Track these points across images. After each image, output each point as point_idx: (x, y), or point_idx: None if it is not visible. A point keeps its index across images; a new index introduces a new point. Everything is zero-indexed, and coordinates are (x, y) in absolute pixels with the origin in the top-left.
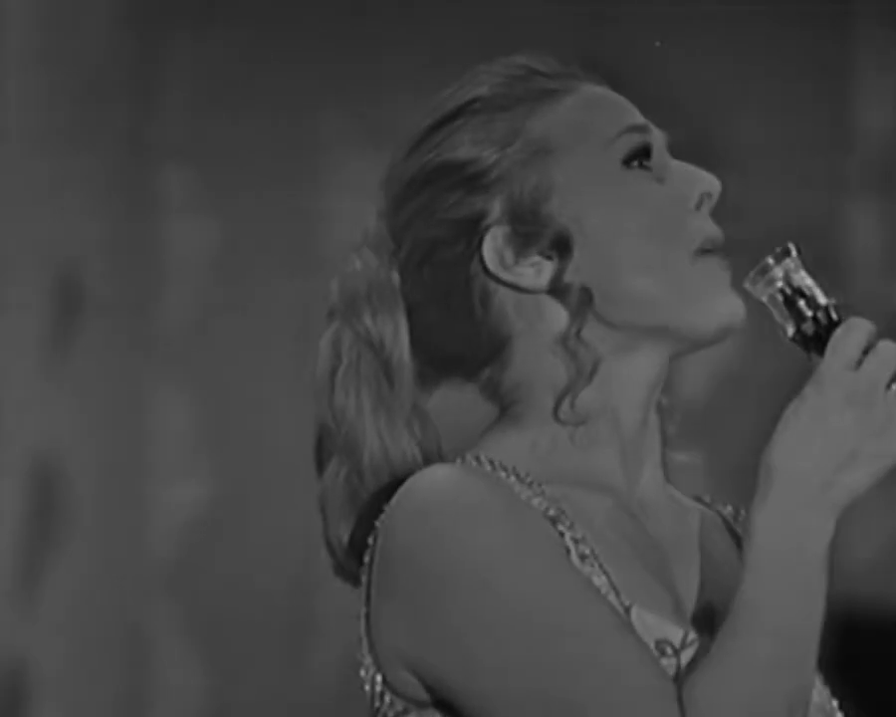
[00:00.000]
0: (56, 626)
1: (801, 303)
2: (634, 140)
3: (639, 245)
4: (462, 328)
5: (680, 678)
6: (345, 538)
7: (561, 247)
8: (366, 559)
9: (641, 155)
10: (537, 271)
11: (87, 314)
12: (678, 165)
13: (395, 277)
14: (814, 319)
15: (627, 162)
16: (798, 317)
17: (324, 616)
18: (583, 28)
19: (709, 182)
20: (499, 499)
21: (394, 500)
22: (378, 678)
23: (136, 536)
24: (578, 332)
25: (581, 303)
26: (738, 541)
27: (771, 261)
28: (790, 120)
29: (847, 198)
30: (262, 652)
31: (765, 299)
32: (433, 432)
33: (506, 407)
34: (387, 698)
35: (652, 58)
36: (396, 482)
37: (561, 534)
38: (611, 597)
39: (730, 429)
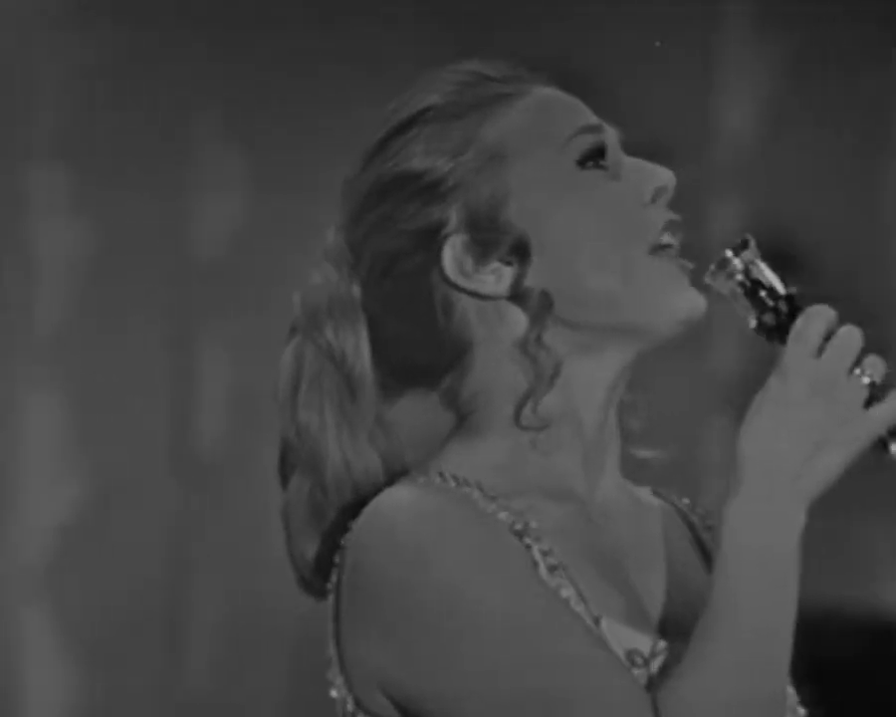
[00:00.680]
0: None
1: (762, 294)
2: (588, 141)
3: (597, 245)
4: (424, 337)
5: (652, 687)
6: (310, 554)
7: (520, 252)
8: (333, 579)
9: (596, 155)
10: (497, 277)
11: None
12: (632, 162)
13: (356, 290)
14: (775, 309)
15: (582, 163)
16: (760, 308)
17: (198, 616)
18: (519, 28)
19: (663, 176)
20: (464, 518)
21: (360, 520)
22: (350, 699)
23: (8, 538)
24: (539, 336)
25: (542, 307)
26: (696, 533)
27: (729, 254)
28: (651, 125)
29: (707, 200)
30: (135, 653)
31: (726, 292)
32: (397, 443)
33: (466, 416)
34: None
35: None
36: (360, 498)
37: (528, 547)
38: (581, 608)
39: (697, 425)
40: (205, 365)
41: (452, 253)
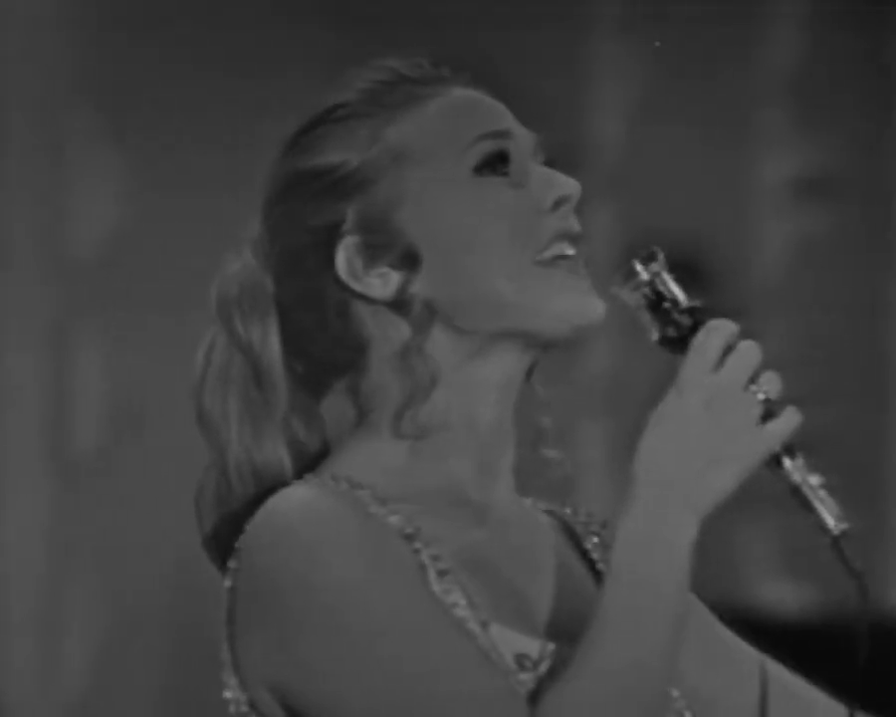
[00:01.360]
0: None
1: (666, 306)
2: (488, 148)
3: (488, 252)
4: (324, 335)
5: (539, 691)
6: (215, 540)
7: (409, 259)
8: (227, 582)
9: (495, 163)
10: (384, 282)
11: None
12: (540, 170)
13: (269, 281)
14: (678, 322)
15: (479, 170)
16: (663, 320)
17: (73, 615)
18: (443, 26)
19: (566, 186)
20: (354, 522)
21: (252, 522)
22: (243, 699)
23: None
24: (420, 346)
25: (423, 317)
26: (579, 542)
27: (636, 265)
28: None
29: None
30: (11, 655)
31: (631, 303)
32: (318, 436)
33: (365, 414)
34: None
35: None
36: (264, 491)
37: (418, 551)
38: (468, 613)
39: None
40: (80, 365)
41: (345, 254)
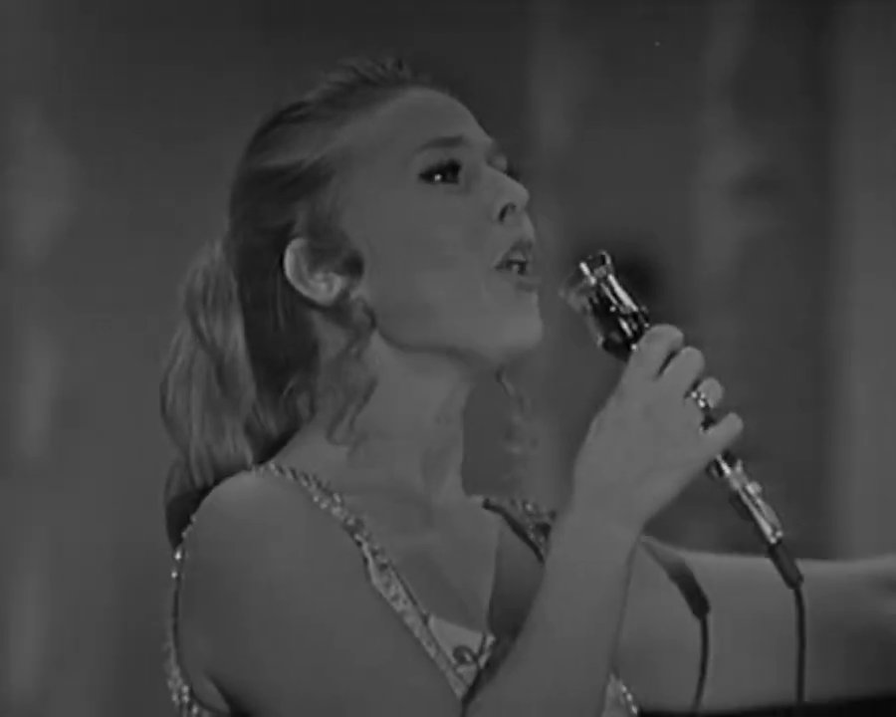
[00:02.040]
0: None
1: (612, 311)
2: (435, 155)
3: (430, 263)
4: (278, 333)
5: (479, 683)
6: (176, 529)
7: (352, 265)
8: (174, 573)
9: (443, 170)
10: (328, 286)
11: None
12: (490, 175)
13: (233, 276)
14: (622, 328)
15: (426, 176)
16: (608, 325)
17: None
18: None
19: (514, 193)
20: (297, 511)
21: (197, 512)
22: (185, 689)
23: None
24: (358, 353)
25: (362, 323)
26: (524, 535)
27: (583, 269)
28: None
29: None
30: None
31: (576, 307)
32: (286, 430)
33: (314, 413)
34: (195, 709)
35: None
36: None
37: (359, 544)
38: (408, 607)
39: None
40: (27, 366)
41: (293, 256)
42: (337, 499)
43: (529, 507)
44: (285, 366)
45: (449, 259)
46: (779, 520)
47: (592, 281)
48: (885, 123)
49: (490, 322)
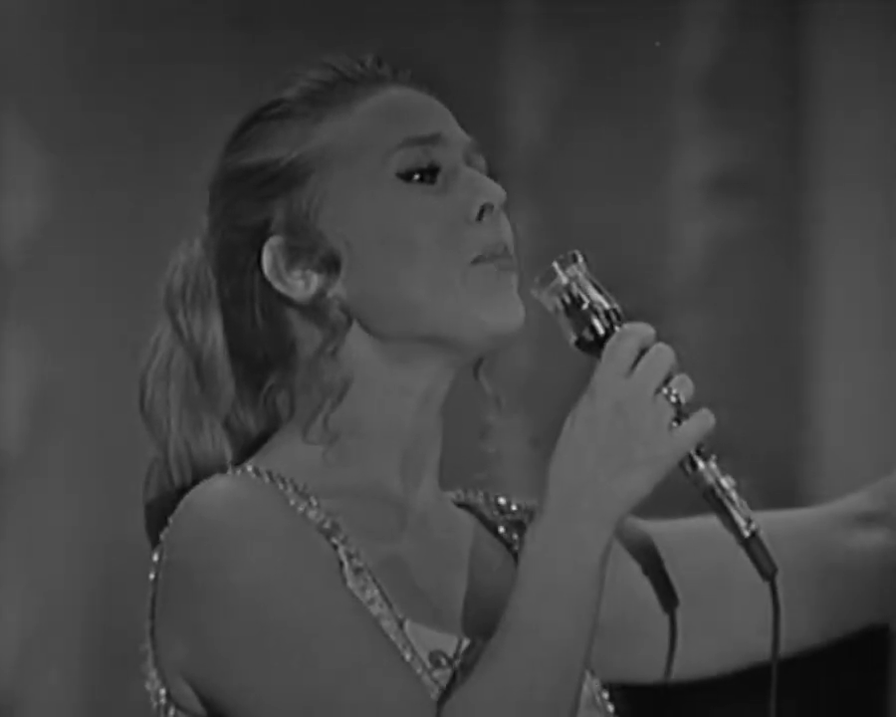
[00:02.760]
0: None
1: (584, 309)
2: (414, 154)
3: (408, 261)
4: (255, 330)
5: (453, 687)
6: (155, 527)
7: (329, 262)
8: (151, 575)
9: (420, 169)
10: (305, 284)
11: None
12: (467, 175)
13: (212, 273)
14: (595, 326)
15: (404, 176)
16: (581, 324)
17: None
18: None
19: (492, 193)
20: (274, 511)
21: (174, 514)
22: (162, 692)
23: None
24: (334, 351)
25: (338, 321)
26: (497, 534)
27: (556, 268)
28: None
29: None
30: None
31: (549, 306)
32: (266, 427)
33: (292, 412)
34: (171, 712)
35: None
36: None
37: (335, 547)
38: (384, 611)
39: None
40: (8, 364)
41: (270, 254)
42: (314, 502)
43: (501, 501)
44: (263, 364)
45: (425, 258)
46: (752, 514)
47: (564, 280)
48: (857, 124)
49: (471, 309)
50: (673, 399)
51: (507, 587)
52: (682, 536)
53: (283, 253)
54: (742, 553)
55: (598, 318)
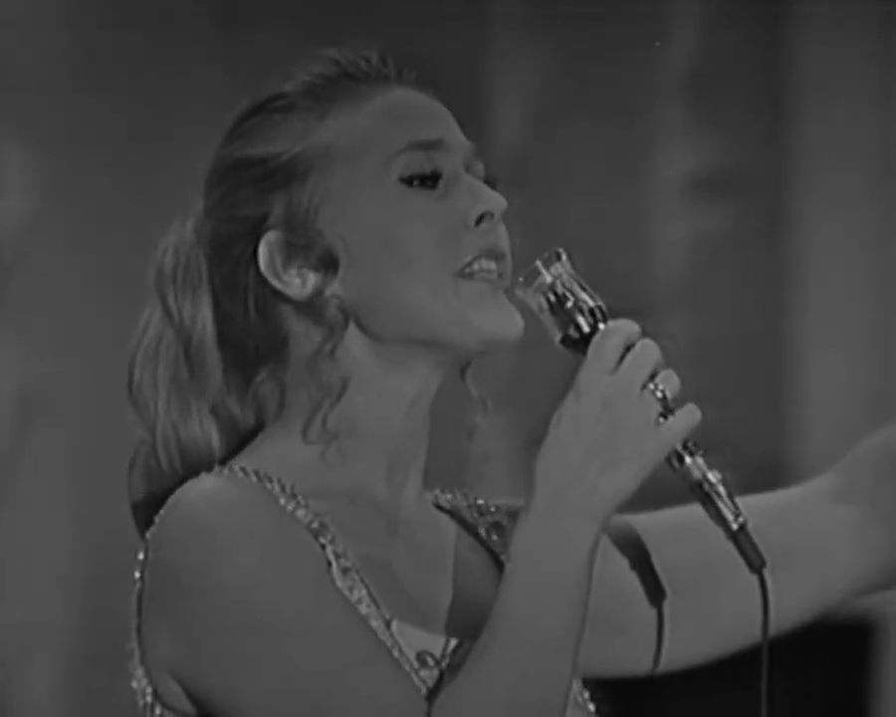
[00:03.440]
0: None
1: (569, 307)
2: (416, 159)
3: (407, 263)
4: (247, 322)
5: (439, 688)
6: (140, 514)
7: (327, 261)
8: (137, 572)
9: (424, 174)
10: (302, 282)
11: None
12: (468, 183)
13: (204, 259)
14: (579, 324)
15: (406, 180)
16: (565, 322)
17: None
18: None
19: (492, 201)
20: (262, 510)
21: (162, 512)
22: (149, 690)
23: None
24: (331, 350)
25: (336, 321)
26: (477, 536)
27: (539, 266)
28: None
29: None
30: None
31: (534, 305)
32: (253, 415)
33: (282, 409)
34: (157, 710)
35: None
36: (190, 471)
37: (323, 547)
38: (372, 611)
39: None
40: None
41: (267, 249)
42: (302, 501)
43: (480, 503)
44: (254, 356)
45: (422, 262)
46: (739, 507)
47: (548, 279)
48: (839, 123)
49: (468, 316)
50: (659, 395)
51: (489, 589)
52: (664, 526)
53: (280, 249)
54: (725, 539)
55: (583, 315)
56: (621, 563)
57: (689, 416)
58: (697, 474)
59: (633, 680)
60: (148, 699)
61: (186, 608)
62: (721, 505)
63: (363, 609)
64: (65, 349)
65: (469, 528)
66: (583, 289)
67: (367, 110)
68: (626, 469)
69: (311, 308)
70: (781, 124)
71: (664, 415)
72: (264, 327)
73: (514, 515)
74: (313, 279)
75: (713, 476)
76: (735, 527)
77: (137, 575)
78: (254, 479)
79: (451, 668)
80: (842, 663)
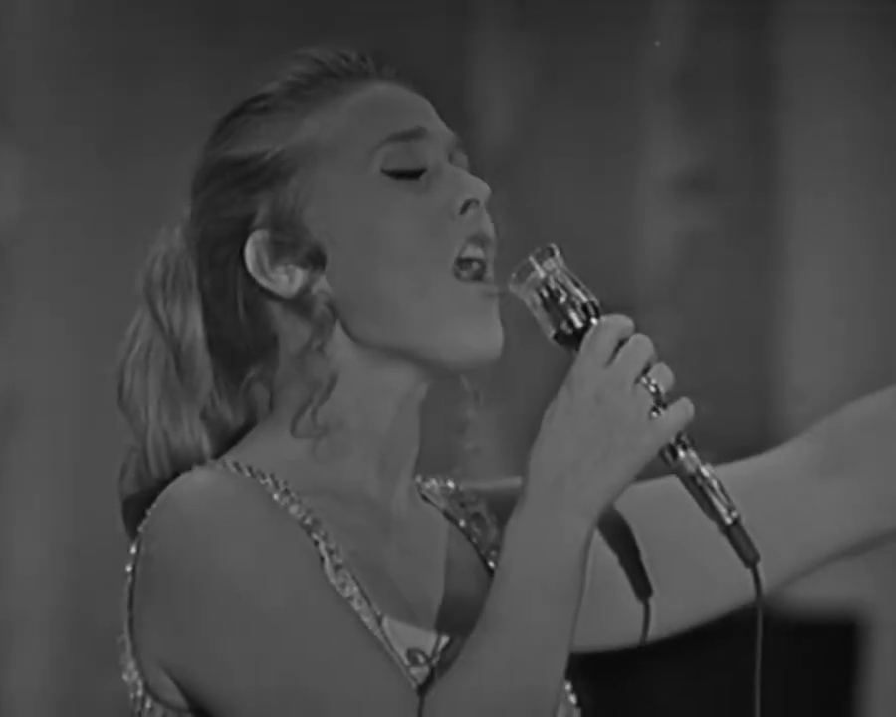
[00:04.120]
0: None
1: (561, 302)
2: (398, 150)
3: (390, 260)
4: (237, 323)
5: (430, 685)
6: (132, 517)
7: (314, 258)
8: (129, 566)
9: (406, 166)
10: (290, 279)
11: None
12: (451, 172)
13: (193, 264)
14: (573, 319)
15: (389, 173)
16: (559, 317)
17: None
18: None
19: (476, 188)
20: (255, 506)
21: (153, 507)
22: (140, 683)
23: None
24: (320, 346)
25: (325, 317)
26: (458, 526)
27: (532, 262)
28: None
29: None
30: None
31: (527, 301)
32: (244, 419)
33: (273, 407)
34: (148, 703)
35: None
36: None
37: (316, 543)
38: (363, 608)
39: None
40: None
41: (254, 248)
42: (295, 497)
43: (461, 490)
44: (244, 357)
45: (406, 257)
46: (732, 501)
47: (541, 274)
48: (824, 122)
49: (450, 330)
50: (652, 389)
51: (478, 585)
52: (641, 497)
53: (267, 248)
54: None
55: (576, 311)
56: (600, 538)
57: (682, 410)
58: (690, 468)
59: (616, 675)
60: (140, 692)
61: (178, 602)
62: (714, 499)
63: (355, 606)
64: (50, 349)
65: (453, 521)
66: (576, 284)
67: (348, 105)
68: (620, 463)
69: (299, 305)
70: (766, 124)
71: (657, 409)
72: (253, 327)
73: (494, 504)
74: (300, 275)
75: (706, 470)
76: (728, 521)
77: (129, 568)
78: (247, 475)
79: (442, 666)
80: (829, 664)
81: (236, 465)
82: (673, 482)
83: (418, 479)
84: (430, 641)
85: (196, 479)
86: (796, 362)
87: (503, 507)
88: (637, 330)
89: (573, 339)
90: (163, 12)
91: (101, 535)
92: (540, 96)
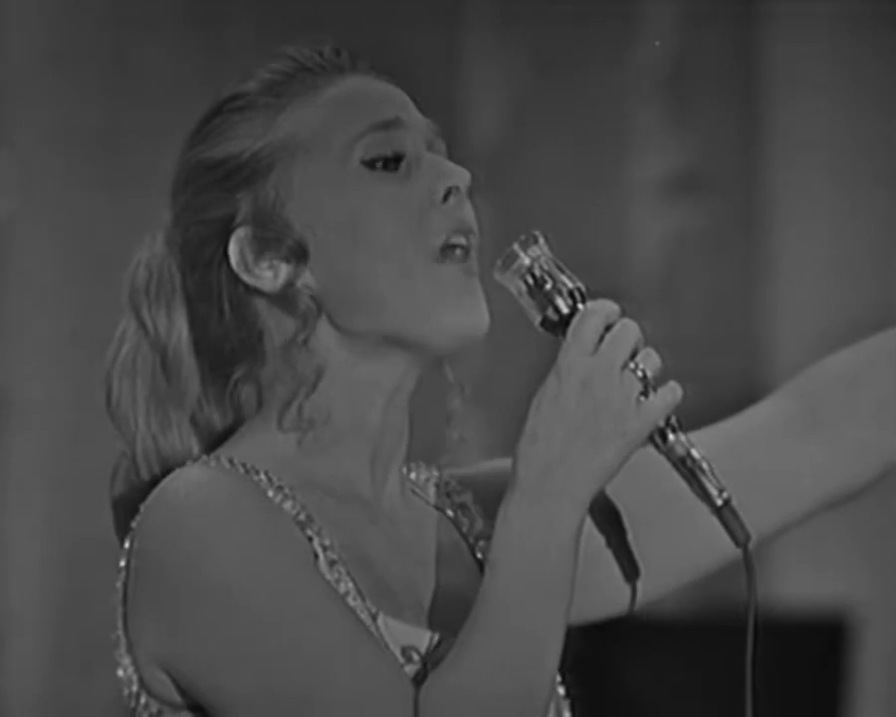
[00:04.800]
0: None
1: (547, 289)
2: (376, 140)
3: (373, 251)
4: (223, 324)
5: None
6: (122, 520)
7: (297, 252)
8: (122, 562)
9: (385, 156)
10: (274, 274)
11: None
12: (430, 160)
13: (176, 268)
14: (558, 306)
15: (368, 163)
16: (544, 304)
17: None
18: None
19: (457, 175)
20: (249, 502)
21: (146, 503)
22: (135, 679)
23: None
24: (305, 340)
25: (309, 311)
26: (446, 516)
27: (517, 249)
28: None
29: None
30: None
31: (512, 289)
32: (232, 422)
33: (261, 404)
34: (143, 699)
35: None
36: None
37: (310, 539)
38: (359, 604)
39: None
40: None
41: (237, 246)
42: (289, 493)
43: (447, 480)
44: (230, 358)
45: (389, 247)
46: (722, 483)
47: (526, 261)
48: (811, 123)
49: (436, 312)
50: (640, 373)
51: (467, 577)
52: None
53: (250, 244)
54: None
55: (562, 297)
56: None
57: (671, 394)
58: (680, 451)
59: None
60: (135, 688)
61: (171, 598)
62: (705, 481)
63: (350, 603)
64: (45, 350)
65: (440, 510)
66: (562, 271)
67: (324, 99)
68: (609, 448)
69: (284, 300)
70: (754, 124)
71: (645, 394)
72: (239, 326)
73: (479, 493)
74: (284, 270)
75: (696, 452)
76: (719, 502)
77: (122, 563)
78: (241, 471)
79: (435, 663)
80: (819, 663)
81: (230, 461)
82: (645, 450)
83: (402, 469)
84: (424, 638)
85: (190, 475)
86: (784, 360)
87: (488, 496)
88: (629, 313)
89: (560, 325)
90: (160, 9)
91: (96, 536)
92: (529, 96)
